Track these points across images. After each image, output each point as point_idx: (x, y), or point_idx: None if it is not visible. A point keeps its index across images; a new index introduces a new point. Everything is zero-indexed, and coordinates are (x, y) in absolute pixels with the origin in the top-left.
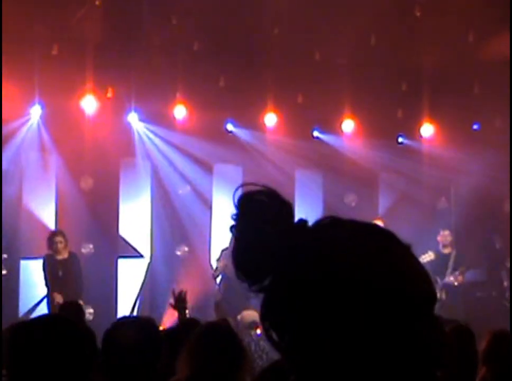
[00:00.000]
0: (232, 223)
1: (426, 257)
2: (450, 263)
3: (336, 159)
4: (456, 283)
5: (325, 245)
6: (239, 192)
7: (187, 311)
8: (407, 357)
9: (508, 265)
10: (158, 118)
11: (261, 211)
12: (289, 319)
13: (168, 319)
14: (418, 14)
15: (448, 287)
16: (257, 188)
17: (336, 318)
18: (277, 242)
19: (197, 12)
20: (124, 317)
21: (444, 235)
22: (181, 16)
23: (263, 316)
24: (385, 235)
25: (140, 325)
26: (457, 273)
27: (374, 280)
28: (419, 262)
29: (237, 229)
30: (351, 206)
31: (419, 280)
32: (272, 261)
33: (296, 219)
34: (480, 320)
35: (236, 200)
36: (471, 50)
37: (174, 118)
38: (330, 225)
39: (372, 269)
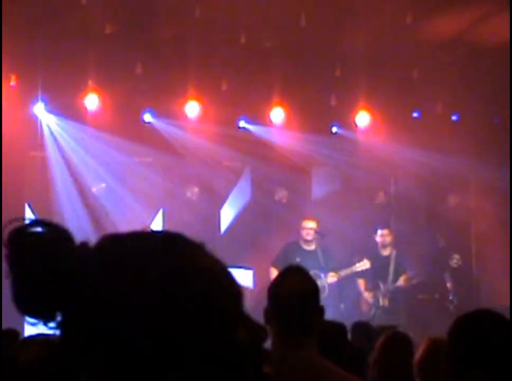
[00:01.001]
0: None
1: (361, 266)
2: (391, 267)
3: (265, 151)
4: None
5: (105, 268)
6: (9, 228)
7: None
8: (221, 362)
9: (452, 265)
10: (68, 109)
11: (36, 244)
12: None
13: None
14: None
15: (391, 294)
16: (27, 220)
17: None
18: (59, 273)
19: None
20: (30, 337)
21: (383, 235)
22: None
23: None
24: (169, 243)
25: (48, 347)
26: (401, 280)
27: (164, 293)
28: (215, 261)
29: (13, 269)
30: (282, 203)
31: (212, 281)
32: (58, 294)
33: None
34: (422, 324)
35: (6, 238)
36: (410, 32)
37: (85, 108)
38: (110, 243)
39: (160, 281)
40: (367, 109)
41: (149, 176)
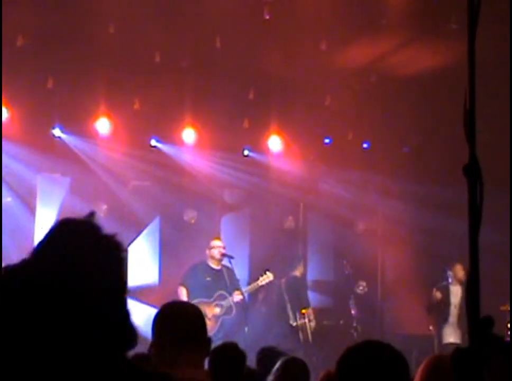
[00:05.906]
0: None
1: (264, 279)
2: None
3: (175, 171)
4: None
5: None
6: None
7: None
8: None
9: (358, 291)
10: None
11: None
12: None
13: None
14: (267, 17)
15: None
16: None
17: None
18: None
19: (22, 1)
20: None
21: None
22: (3, 4)
23: None
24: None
25: None
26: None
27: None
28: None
29: None
30: (190, 223)
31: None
32: None
33: None
34: (325, 350)
35: None
36: (323, 59)
37: None
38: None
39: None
40: (279, 133)
41: (57, 191)
